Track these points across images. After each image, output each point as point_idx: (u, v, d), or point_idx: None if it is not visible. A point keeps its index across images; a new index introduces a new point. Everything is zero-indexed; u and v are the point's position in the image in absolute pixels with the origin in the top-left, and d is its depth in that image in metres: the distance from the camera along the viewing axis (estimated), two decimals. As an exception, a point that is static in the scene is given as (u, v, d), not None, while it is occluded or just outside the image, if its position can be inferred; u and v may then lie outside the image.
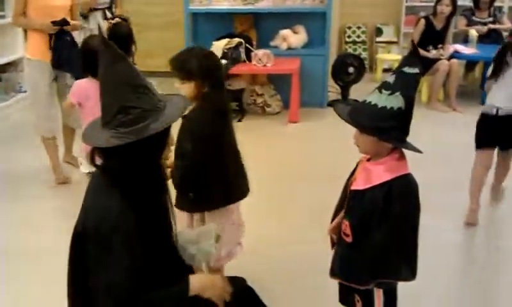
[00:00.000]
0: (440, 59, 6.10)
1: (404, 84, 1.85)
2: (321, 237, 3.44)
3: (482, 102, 6.24)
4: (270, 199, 4.02)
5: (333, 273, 2.07)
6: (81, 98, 3.40)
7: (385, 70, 7.73)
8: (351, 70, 6.28)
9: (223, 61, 5.69)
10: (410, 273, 1.92)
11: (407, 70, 1.87)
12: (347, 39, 8.21)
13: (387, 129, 1.86)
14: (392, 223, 1.87)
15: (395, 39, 8.20)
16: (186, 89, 2.40)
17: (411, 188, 1.91)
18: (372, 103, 1.87)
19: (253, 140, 5.26)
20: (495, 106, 3.37)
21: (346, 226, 2.00)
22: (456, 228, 3.52)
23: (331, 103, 6.34)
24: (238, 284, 1.97)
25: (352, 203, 2.00)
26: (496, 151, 3.59)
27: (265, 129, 5.61)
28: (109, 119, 1.62)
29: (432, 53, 6.18)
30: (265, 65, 5.69)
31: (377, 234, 1.89)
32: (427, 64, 6.17)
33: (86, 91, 3.40)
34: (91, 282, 1.61)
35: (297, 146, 5.18)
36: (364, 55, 8.00)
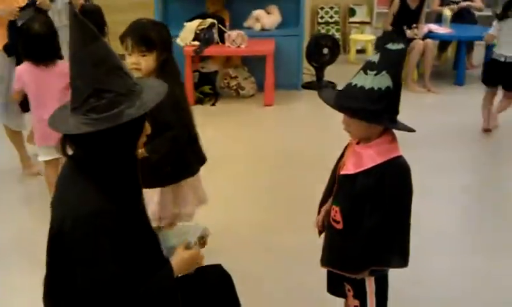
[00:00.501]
0: (414, 39, 6.05)
1: (390, 61, 1.76)
2: (304, 225, 3.38)
3: (457, 83, 6.30)
4: (249, 185, 3.91)
5: (324, 262, 1.98)
6: (24, 84, 3.24)
7: (359, 51, 7.69)
8: (325, 50, 6.18)
9: (196, 43, 5.55)
10: (403, 260, 1.85)
11: (391, 46, 1.77)
12: (320, 20, 8.10)
13: (378, 111, 1.77)
14: (385, 208, 1.80)
15: (368, 20, 8.13)
16: (147, 61, 2.35)
17: (404, 171, 1.83)
18: (358, 85, 1.78)
19: (228, 124, 5.14)
20: (504, 55, 4.55)
21: (336, 213, 1.91)
22: (436, 211, 3.48)
23: (306, 85, 6.26)
24: (215, 272, 1.89)
25: (342, 188, 1.91)
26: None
27: (240, 113, 5.48)
28: (79, 103, 1.48)
29: (407, 33, 6.12)
30: (239, 47, 5.55)
31: (369, 220, 1.81)
32: (402, 44, 6.13)
33: (27, 76, 3.23)
34: (79, 281, 1.48)
35: (274, 130, 5.08)
36: (337, 36, 7.90)
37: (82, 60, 1.47)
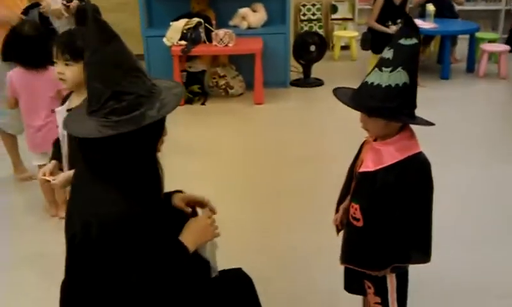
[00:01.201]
0: (400, 35, 6.08)
1: (404, 57, 1.75)
2: (297, 224, 3.43)
3: (442, 77, 6.36)
4: (242, 184, 3.88)
5: (344, 259, 1.97)
6: (15, 90, 3.16)
7: (343, 47, 7.71)
8: (312, 48, 6.18)
9: (183, 42, 5.49)
10: (426, 255, 1.85)
11: (404, 41, 1.77)
12: (302, 17, 8.10)
13: (396, 108, 1.76)
14: (407, 204, 1.79)
15: (350, 16, 8.16)
16: (72, 71, 2.26)
17: (425, 167, 1.82)
18: (375, 83, 1.76)
19: (219, 124, 5.10)
20: None
21: (356, 210, 1.89)
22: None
23: (294, 83, 6.25)
24: (236, 275, 1.86)
25: (362, 185, 1.89)
26: None
27: (230, 112, 5.44)
28: (98, 106, 1.43)
29: (392, 29, 6.16)
30: (227, 45, 5.50)
31: (391, 216, 1.80)
32: (387, 40, 6.11)
33: (18, 81, 3.15)
34: (107, 287, 1.43)
35: (266, 129, 5.04)
36: (320, 33, 7.91)
37: (101, 61, 1.43)
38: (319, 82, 6.28)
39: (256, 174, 4.06)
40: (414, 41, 1.73)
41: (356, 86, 1.92)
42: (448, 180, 3.65)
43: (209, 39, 5.59)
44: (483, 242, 3.09)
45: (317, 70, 6.43)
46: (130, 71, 1.45)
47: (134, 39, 6.83)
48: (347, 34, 7.70)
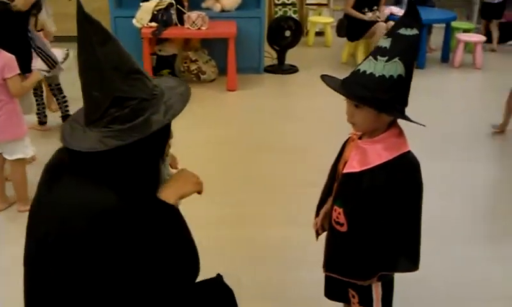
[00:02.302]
0: (376, 22, 5.97)
1: (403, 47, 1.61)
2: (276, 217, 3.30)
3: (417, 66, 6.27)
4: (213, 175, 3.70)
5: (328, 268, 1.83)
6: None
7: (318, 33, 7.56)
8: (287, 33, 6.01)
9: (153, 24, 5.25)
10: (414, 263, 1.72)
11: (403, 31, 1.63)
12: (277, 1, 7.89)
13: (389, 101, 1.62)
14: (395, 208, 1.66)
15: (325, 2, 8.01)
16: None
17: (415, 168, 1.70)
18: (368, 72, 1.62)
19: (190, 110, 4.83)
20: None
21: (339, 214, 1.75)
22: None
23: (268, 69, 6.07)
24: (215, 287, 1.69)
25: (346, 187, 1.75)
26: None
27: (203, 98, 5.23)
28: (98, 115, 1.28)
29: (368, 16, 6.05)
30: (199, 28, 5.28)
31: (378, 221, 1.67)
32: (364, 27, 6.05)
33: None
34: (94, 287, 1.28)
35: (238, 117, 4.87)
36: (294, 18, 7.74)
37: (98, 66, 1.27)
38: (293, 69, 6.12)
39: (227, 164, 3.90)
40: (415, 31, 1.60)
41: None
42: (424, 172, 3.55)
43: (181, 22, 5.36)
44: (465, 240, 3.00)
45: (291, 56, 6.27)
46: (130, 74, 1.30)
47: (102, 20, 6.55)
48: (322, 19, 7.56)
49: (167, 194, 1.45)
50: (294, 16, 7.78)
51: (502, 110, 4.39)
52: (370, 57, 1.63)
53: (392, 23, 6.02)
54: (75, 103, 4.44)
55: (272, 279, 2.63)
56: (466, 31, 6.93)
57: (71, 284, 1.28)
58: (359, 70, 1.65)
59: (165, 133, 1.39)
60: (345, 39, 6.42)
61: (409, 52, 1.62)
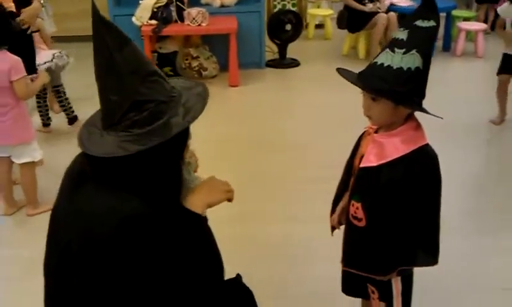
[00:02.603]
0: (377, 13, 5.94)
1: (420, 39, 1.60)
2: (277, 214, 3.25)
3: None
4: (216, 172, 3.67)
5: (347, 263, 1.80)
6: None
7: (318, 26, 7.52)
8: (288, 27, 5.98)
9: (153, 22, 5.22)
10: (435, 256, 1.70)
11: (420, 23, 1.61)
12: (275, -5, 7.87)
13: (407, 93, 1.60)
14: (414, 202, 1.64)
15: (323, -6, 7.97)
16: None
17: (434, 160, 1.67)
18: (385, 64, 1.60)
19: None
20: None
21: (357, 209, 1.73)
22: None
23: (270, 64, 6.04)
24: (234, 287, 1.66)
25: (363, 182, 1.73)
26: None
27: (204, 95, 5.21)
28: (116, 119, 1.25)
29: (369, 7, 6.01)
30: (200, 25, 5.24)
31: (397, 215, 1.64)
32: (364, 19, 6.01)
33: None
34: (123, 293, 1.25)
35: (242, 113, 4.83)
36: (294, 11, 7.70)
37: (116, 70, 1.25)
38: (295, 63, 6.08)
39: (230, 161, 3.86)
40: (432, 23, 1.58)
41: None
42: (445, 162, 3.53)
43: (181, 19, 5.32)
44: (473, 232, 2.99)
45: (291, 50, 6.23)
46: (147, 77, 1.27)
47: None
48: (322, 12, 7.51)
49: (193, 203, 1.43)
50: (293, 9, 7.75)
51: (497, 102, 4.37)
52: (387, 50, 1.61)
53: (392, 14, 6.01)
54: (81, 103, 4.43)
55: (275, 277, 2.61)
56: (466, 19, 6.89)
57: (96, 294, 1.25)
58: (376, 62, 1.62)
59: (184, 135, 1.36)
60: (345, 31, 6.38)
61: (427, 44, 1.61)
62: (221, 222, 3.11)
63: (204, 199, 1.46)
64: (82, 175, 1.33)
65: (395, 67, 1.58)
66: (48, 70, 3.96)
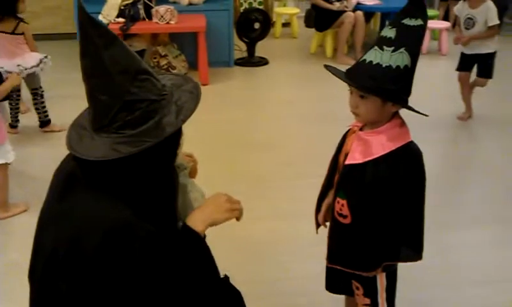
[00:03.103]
0: (344, 12, 5.99)
1: (408, 38, 1.62)
2: (267, 213, 3.26)
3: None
4: (200, 172, 3.64)
5: (332, 260, 1.81)
6: None
7: (284, 25, 7.54)
8: (256, 25, 5.98)
9: (121, 20, 5.13)
10: (419, 252, 1.73)
11: (408, 21, 1.63)
12: (242, -7, 7.85)
13: (396, 91, 1.62)
14: (400, 198, 1.66)
15: (289, -8, 7.99)
16: None
17: (418, 157, 1.71)
18: (374, 62, 1.62)
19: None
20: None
21: (343, 206, 1.74)
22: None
23: (239, 62, 6.02)
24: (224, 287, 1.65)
25: (349, 179, 1.74)
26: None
27: (174, 93, 5.15)
28: (107, 121, 1.21)
29: (336, 6, 6.06)
30: (168, 23, 5.18)
31: (382, 212, 1.66)
32: (332, 17, 6.06)
33: None
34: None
35: (214, 111, 4.79)
36: (262, 9, 7.70)
37: (104, 70, 1.21)
38: (263, 61, 6.08)
39: (205, 160, 3.81)
40: (419, 22, 1.60)
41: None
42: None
43: (149, 16, 5.25)
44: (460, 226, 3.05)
45: (260, 49, 6.23)
46: (138, 75, 1.23)
47: (65, 16, 6.40)
48: (288, 10, 7.54)
49: (195, 221, 1.39)
50: (260, 8, 7.75)
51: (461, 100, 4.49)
52: (376, 47, 1.62)
53: (359, 12, 6.07)
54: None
55: (260, 276, 2.60)
56: (430, 18, 7.02)
57: (82, 302, 1.22)
58: (364, 60, 1.63)
59: (177, 135, 1.33)
60: (313, 29, 6.42)
61: (415, 43, 1.63)
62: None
63: (207, 218, 1.42)
64: (71, 178, 1.29)
65: (384, 65, 1.59)
66: (31, 74, 3.93)
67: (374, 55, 1.60)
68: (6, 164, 3.00)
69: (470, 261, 2.76)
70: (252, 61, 6.04)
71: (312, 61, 6.10)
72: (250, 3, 7.72)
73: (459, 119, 4.49)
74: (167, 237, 1.30)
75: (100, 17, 5.18)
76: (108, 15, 5.17)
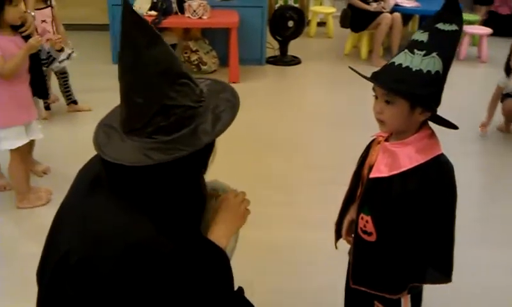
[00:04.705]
0: (381, 13, 5.83)
1: (442, 43, 1.50)
2: (289, 219, 3.15)
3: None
4: (213, 172, 3.56)
5: (356, 281, 1.69)
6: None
7: (319, 24, 7.41)
8: (290, 23, 5.86)
9: (153, 13, 5.10)
10: (449, 274, 1.60)
11: (442, 26, 1.51)
12: (277, -10, 7.75)
13: (426, 97, 1.49)
14: (429, 215, 1.53)
15: (326, -9, 7.85)
16: None
17: (449, 171, 1.57)
18: (404, 65, 1.50)
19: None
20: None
21: (367, 223, 1.62)
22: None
23: (270, 60, 5.93)
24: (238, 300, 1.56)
25: (373, 194, 1.61)
26: None
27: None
28: (141, 124, 1.14)
29: (373, 6, 5.90)
30: (200, 18, 5.12)
31: (411, 230, 1.54)
32: (368, 18, 5.91)
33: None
34: None
35: (241, 111, 4.70)
36: (298, 7, 7.58)
37: (144, 70, 1.13)
38: (296, 60, 5.97)
39: (230, 161, 3.74)
40: (454, 27, 1.48)
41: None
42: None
43: (181, 11, 5.20)
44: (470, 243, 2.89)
45: (293, 47, 6.12)
46: (176, 79, 1.16)
47: (99, 8, 6.41)
48: (324, 9, 7.40)
49: (219, 237, 1.32)
50: (295, 5, 7.64)
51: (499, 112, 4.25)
52: (406, 50, 1.51)
53: (397, 14, 5.90)
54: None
55: (284, 285, 2.51)
56: (470, 23, 6.79)
57: None
58: (393, 62, 1.52)
59: (210, 145, 1.24)
60: (348, 30, 6.27)
61: (448, 49, 1.51)
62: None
63: (230, 231, 1.36)
64: (96, 180, 1.22)
65: (414, 69, 1.48)
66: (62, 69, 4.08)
67: (404, 58, 1.49)
68: (23, 150, 2.97)
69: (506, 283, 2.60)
70: (284, 59, 5.94)
71: (345, 63, 5.94)
72: (285, 0, 7.63)
73: (500, 130, 4.30)
74: (191, 255, 1.21)
75: (133, 10, 5.15)
76: (141, 7, 5.14)
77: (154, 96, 1.13)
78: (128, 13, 1.13)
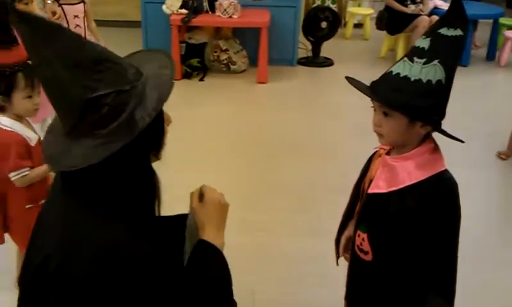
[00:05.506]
0: (419, 15, 5.65)
1: (444, 50, 1.38)
2: (301, 228, 3.08)
3: (461, 63, 5.91)
4: (233, 171, 3.50)
5: (351, 301, 1.60)
6: None
7: (356, 25, 7.26)
8: (323, 24, 5.75)
9: (184, 11, 5.08)
10: (450, 301, 1.48)
11: (445, 31, 1.39)
12: (315, -9, 7.63)
13: (426, 109, 1.38)
14: (428, 236, 1.42)
15: (365, -8, 7.69)
16: None
17: (452, 190, 1.45)
18: (402, 75, 1.39)
19: (216, 102, 4.70)
20: None
21: (363, 240, 1.52)
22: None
23: (302, 61, 5.83)
24: None
25: (371, 210, 1.52)
26: None
27: (230, 90, 5.04)
28: (73, 122, 1.06)
29: (411, 8, 5.74)
30: (231, 17, 5.08)
31: (408, 251, 1.44)
32: (405, 21, 5.74)
33: None
34: None
35: (267, 110, 4.65)
36: (332, 8, 7.45)
37: (52, 68, 1.04)
38: (328, 62, 5.85)
39: (251, 164, 3.68)
40: (458, 32, 1.35)
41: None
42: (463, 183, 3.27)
43: (212, 9, 5.18)
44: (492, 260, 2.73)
45: (326, 49, 6.00)
46: (94, 66, 1.05)
47: (131, 4, 6.46)
48: (362, 11, 7.25)
49: (213, 235, 1.26)
50: (333, 6, 7.50)
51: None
52: (405, 59, 1.40)
53: (436, 17, 5.69)
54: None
55: (289, 296, 2.43)
56: (509, 28, 6.50)
57: None
58: (391, 72, 1.42)
59: (158, 122, 1.16)
60: (384, 32, 6.11)
61: (451, 56, 1.38)
62: (232, 230, 2.97)
63: (222, 231, 1.31)
64: (59, 184, 1.18)
65: (412, 79, 1.37)
66: None
67: (403, 67, 1.38)
68: None
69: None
70: (316, 61, 5.83)
71: (380, 66, 5.78)
72: (323, 1, 7.51)
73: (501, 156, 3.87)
74: (167, 257, 1.16)
75: (164, 7, 5.15)
76: (172, 5, 5.14)
77: (74, 94, 1.04)
78: (16, 15, 1.03)
